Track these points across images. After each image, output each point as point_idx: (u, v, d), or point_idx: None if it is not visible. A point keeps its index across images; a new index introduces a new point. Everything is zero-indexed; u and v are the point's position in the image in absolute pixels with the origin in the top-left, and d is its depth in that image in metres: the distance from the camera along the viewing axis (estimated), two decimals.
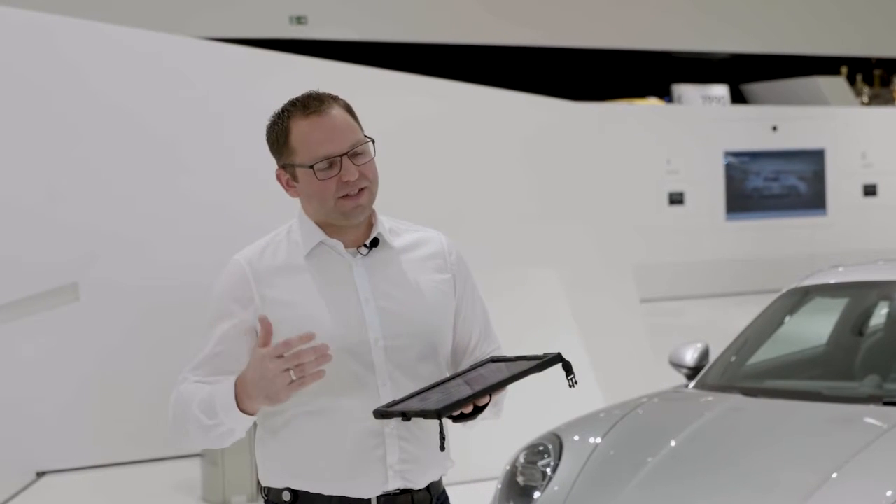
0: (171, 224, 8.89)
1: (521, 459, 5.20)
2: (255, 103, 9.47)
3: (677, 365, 6.09)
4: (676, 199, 18.09)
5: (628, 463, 4.98)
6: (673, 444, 5.10)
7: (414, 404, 2.81)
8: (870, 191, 19.76)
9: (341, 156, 2.97)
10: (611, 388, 8.25)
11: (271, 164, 9.86)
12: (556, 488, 4.95)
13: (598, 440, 5.18)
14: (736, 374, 5.99)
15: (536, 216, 9.89)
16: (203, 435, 2.94)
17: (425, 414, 2.75)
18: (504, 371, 2.87)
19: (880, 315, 6.46)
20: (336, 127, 2.99)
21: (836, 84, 21.23)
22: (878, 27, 22.19)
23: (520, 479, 5.10)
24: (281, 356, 2.75)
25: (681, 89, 19.87)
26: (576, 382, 2.83)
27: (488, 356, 3.04)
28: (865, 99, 22.16)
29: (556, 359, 2.84)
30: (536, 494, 4.98)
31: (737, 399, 5.62)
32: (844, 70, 22.00)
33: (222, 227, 8.89)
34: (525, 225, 9.71)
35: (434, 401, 2.79)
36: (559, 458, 5.09)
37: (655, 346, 9.90)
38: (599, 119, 13.97)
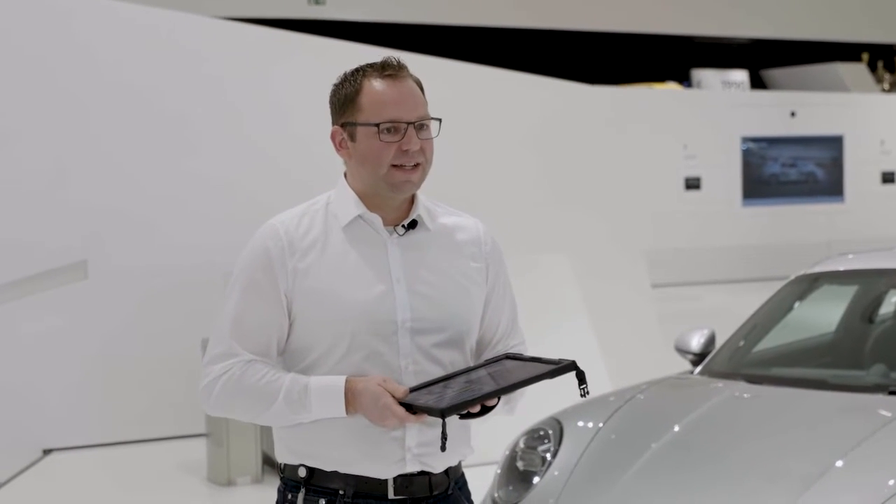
0: (182, 204, 8.89)
1: (521, 444, 5.16)
2: (270, 84, 9.50)
3: (683, 351, 6.04)
4: (693, 184, 18.00)
5: (629, 449, 4.94)
6: (676, 430, 5.07)
7: (425, 398, 2.82)
8: (888, 178, 19.64)
9: (408, 123, 2.97)
10: (619, 374, 8.21)
11: (283, 144, 9.86)
12: (555, 473, 4.91)
13: (600, 425, 5.14)
14: (742, 361, 5.94)
15: (549, 201, 9.86)
16: (275, 420, 2.96)
17: (430, 412, 2.78)
18: (518, 372, 2.88)
19: (890, 303, 6.40)
20: (409, 94, 3.00)
21: (856, 70, 21.09)
22: None
23: (519, 465, 5.07)
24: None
25: (700, 74, 19.77)
26: (588, 392, 2.86)
27: (504, 352, 3.04)
28: (886, 86, 22.00)
29: (571, 366, 2.87)
30: (536, 479, 4.95)
31: (741, 386, 5.57)
32: (865, 57, 21.86)
33: (233, 208, 8.88)
34: (537, 209, 9.68)
35: (447, 397, 2.81)
36: (559, 444, 5.05)
37: (668, 331, 9.84)
38: (616, 103, 13.93)
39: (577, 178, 10.14)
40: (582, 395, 2.85)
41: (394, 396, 2.82)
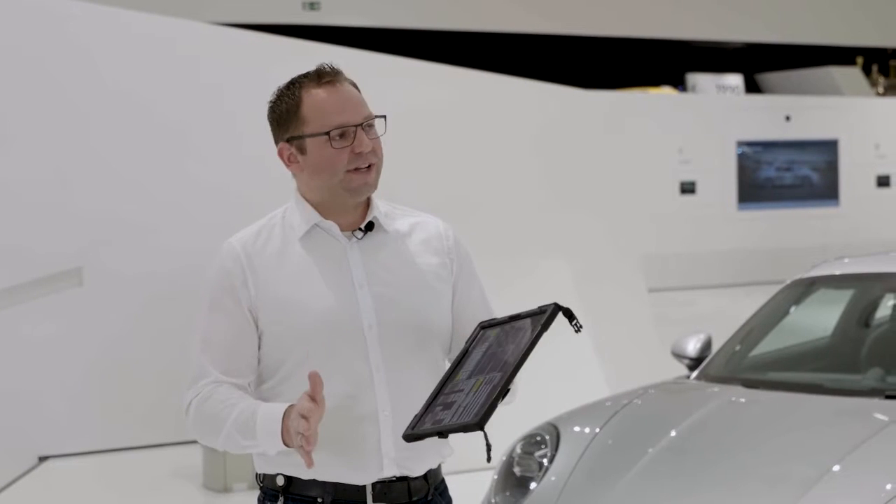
0: (178, 210, 8.87)
1: (518, 450, 5.15)
2: (266, 89, 9.34)
3: (679, 356, 6.03)
4: (688, 188, 18.04)
5: (626, 453, 4.94)
6: (673, 434, 5.06)
7: (444, 415, 2.65)
8: (883, 182, 19.67)
9: (356, 126, 2.94)
10: (616, 379, 8.21)
11: None
12: (552, 479, 4.91)
13: (597, 430, 5.14)
14: (738, 365, 5.94)
15: (546, 205, 9.85)
16: (231, 446, 2.93)
17: (466, 428, 2.58)
18: (510, 342, 2.71)
19: (886, 307, 6.40)
20: (350, 98, 2.98)
21: (851, 74, 21.13)
22: (895, 17, 22.07)
23: (516, 470, 5.06)
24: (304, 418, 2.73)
25: (695, 78, 19.80)
26: (581, 327, 2.72)
27: (477, 324, 2.87)
28: (881, 89, 22.06)
29: (556, 310, 2.69)
30: (533, 485, 4.94)
31: (738, 391, 5.57)
32: (860, 60, 21.89)
33: (230, 214, 8.85)
34: (535, 214, 9.67)
35: (464, 407, 2.62)
36: (556, 449, 5.04)
37: (664, 336, 9.85)
38: (612, 108, 13.94)
39: (573, 183, 10.13)
40: (576, 331, 2.72)
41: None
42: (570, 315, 2.72)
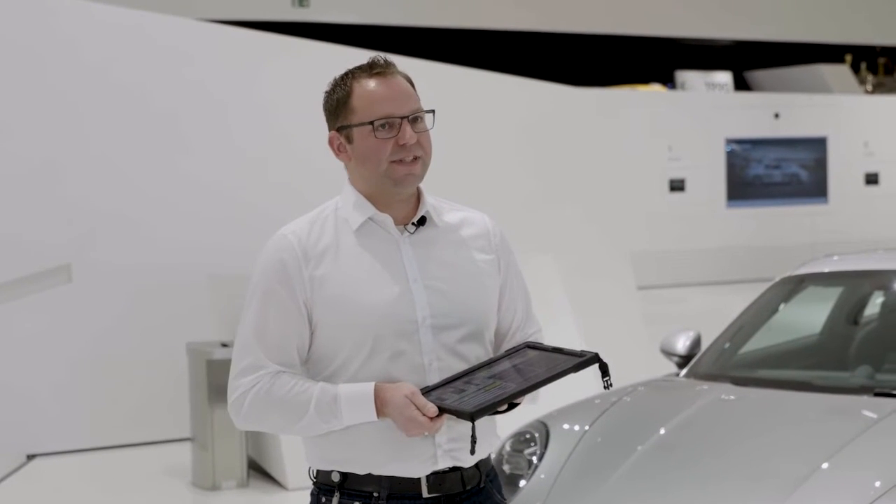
0: (167, 205, 8.86)
1: (507, 447, 5.15)
2: (255, 86, 9.48)
3: (668, 353, 6.03)
4: (677, 185, 18.05)
5: (616, 451, 4.94)
6: (662, 432, 5.06)
7: (450, 396, 2.84)
8: (871, 179, 19.70)
9: (401, 118, 2.98)
10: None
11: (269, 145, 9.81)
12: (542, 476, 4.90)
13: (586, 428, 5.13)
14: (727, 363, 5.94)
15: (535, 201, 9.86)
16: (308, 430, 2.96)
17: (460, 414, 2.79)
18: (541, 367, 2.90)
19: (875, 304, 6.40)
20: (400, 90, 3.01)
21: (839, 72, 21.15)
22: (884, 15, 22.10)
23: (505, 468, 5.06)
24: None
25: (684, 76, 19.82)
26: (611, 384, 2.89)
27: (525, 341, 3.06)
28: (869, 87, 22.09)
29: (594, 359, 2.88)
30: (522, 483, 4.93)
31: (727, 388, 5.57)
32: (849, 58, 21.92)
33: (219, 209, 8.87)
34: (523, 210, 9.67)
35: (471, 397, 2.82)
36: (546, 447, 5.04)
37: (653, 333, 9.84)
38: (601, 105, 13.93)
39: (562, 180, 10.14)
40: (605, 388, 2.88)
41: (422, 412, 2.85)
42: (605, 370, 2.91)
